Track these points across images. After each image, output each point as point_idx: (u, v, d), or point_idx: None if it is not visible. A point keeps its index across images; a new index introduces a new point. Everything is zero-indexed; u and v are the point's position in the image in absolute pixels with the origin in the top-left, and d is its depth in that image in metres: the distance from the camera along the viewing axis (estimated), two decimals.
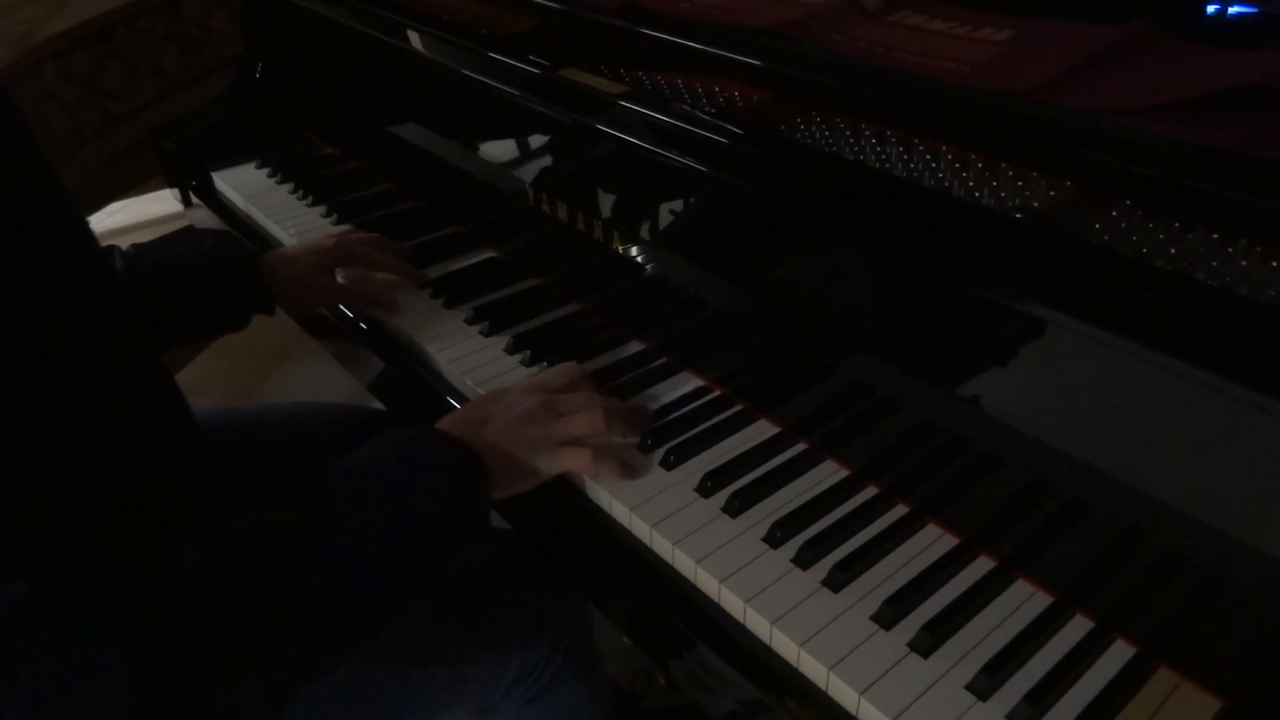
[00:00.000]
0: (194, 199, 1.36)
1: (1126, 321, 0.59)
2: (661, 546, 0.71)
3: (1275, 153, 0.55)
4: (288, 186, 1.27)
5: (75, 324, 0.56)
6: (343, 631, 0.58)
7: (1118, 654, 0.62)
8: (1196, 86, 0.60)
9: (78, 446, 0.53)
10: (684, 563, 0.70)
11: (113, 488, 0.57)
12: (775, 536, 0.70)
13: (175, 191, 1.40)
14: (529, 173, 1.00)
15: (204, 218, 1.35)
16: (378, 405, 1.10)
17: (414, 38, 1.11)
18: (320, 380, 2.02)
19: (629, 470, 0.75)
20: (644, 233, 0.89)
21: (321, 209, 1.20)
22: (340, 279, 1.02)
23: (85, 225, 0.60)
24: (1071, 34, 0.72)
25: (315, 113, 1.38)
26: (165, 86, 1.67)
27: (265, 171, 1.31)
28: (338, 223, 1.17)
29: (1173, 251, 0.61)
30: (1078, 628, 0.64)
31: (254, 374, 2.19)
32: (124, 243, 0.95)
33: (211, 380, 2.12)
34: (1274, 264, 0.58)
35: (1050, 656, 0.62)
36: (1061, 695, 0.59)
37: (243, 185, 1.29)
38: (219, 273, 0.92)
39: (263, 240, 1.20)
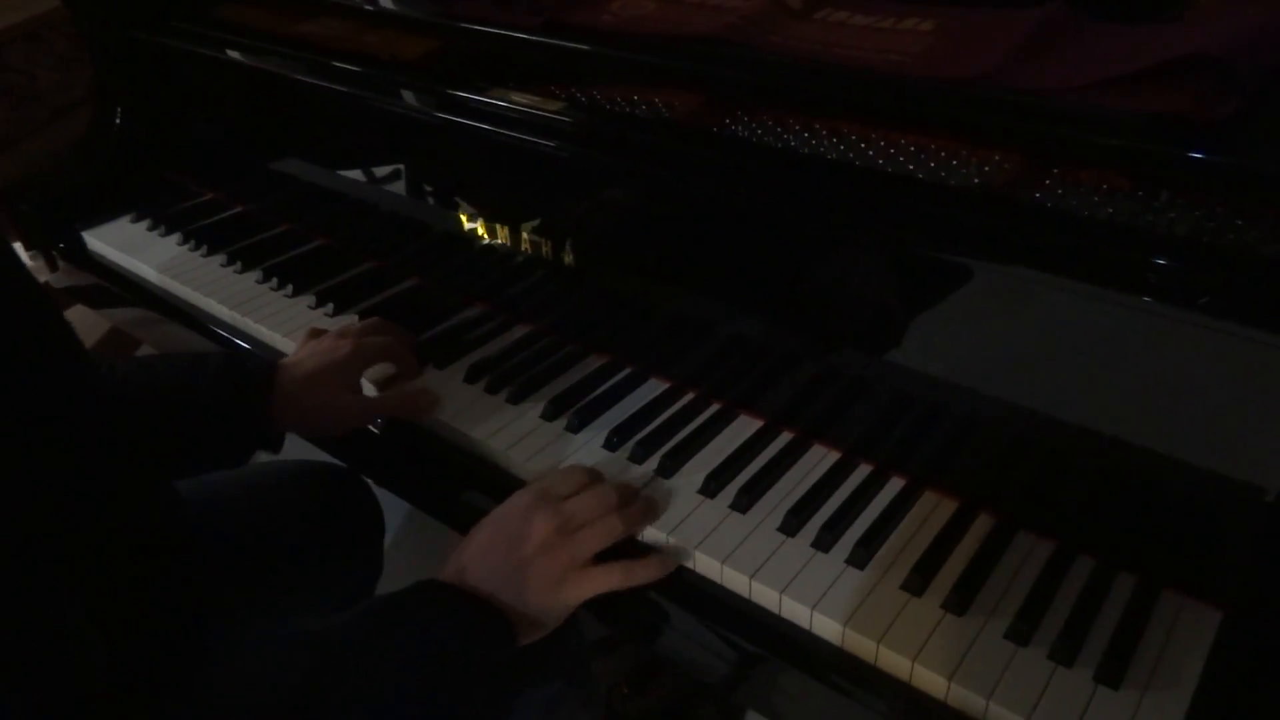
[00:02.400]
0: (60, 263, 1.26)
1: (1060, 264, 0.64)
2: (681, 556, 0.72)
3: (1215, 116, 0.61)
4: (174, 238, 1.19)
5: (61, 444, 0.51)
6: None
7: (1125, 585, 0.67)
8: (1132, 62, 0.65)
9: (71, 570, 0.49)
10: (709, 565, 0.71)
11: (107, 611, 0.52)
12: (791, 525, 0.72)
13: (35, 253, 1.28)
14: (447, 195, 0.98)
15: (66, 277, 1.25)
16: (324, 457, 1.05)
17: (295, 66, 1.06)
18: None
19: (667, 563, 0.70)
20: (586, 245, 0.88)
21: (220, 258, 1.13)
22: (367, 387, 0.90)
23: (71, 335, 0.55)
24: (993, 21, 0.77)
25: (190, 155, 1.30)
26: None
27: (144, 225, 1.22)
28: (241, 271, 1.11)
29: (1110, 211, 0.67)
30: (1083, 566, 0.69)
31: None
32: None
33: None
34: (1198, 213, 0.65)
35: (1068, 597, 0.66)
36: (1090, 628, 0.64)
37: (122, 242, 1.19)
38: (220, 408, 0.77)
39: (158, 299, 1.12)
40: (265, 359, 0.85)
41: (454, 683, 0.62)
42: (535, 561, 0.67)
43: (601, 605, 0.76)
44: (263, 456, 0.86)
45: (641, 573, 0.69)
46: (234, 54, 1.12)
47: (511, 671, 0.67)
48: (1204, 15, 0.71)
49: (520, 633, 0.67)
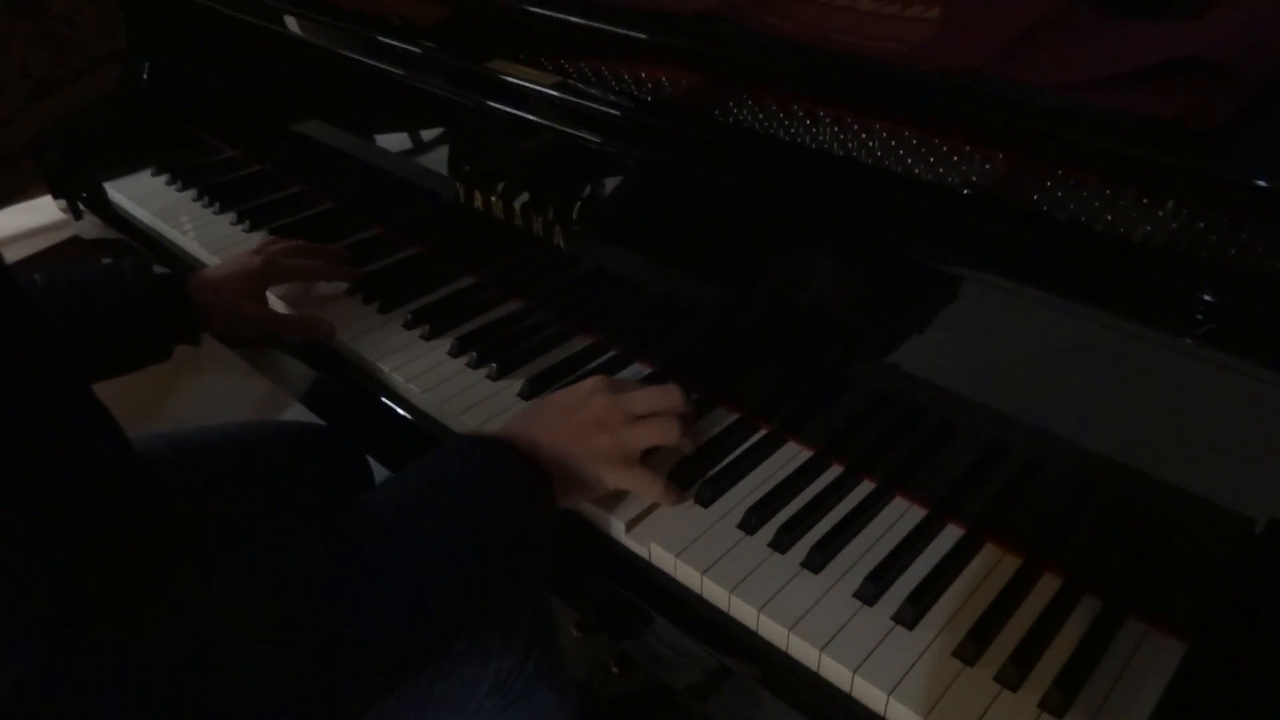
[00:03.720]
0: (84, 210, 1.28)
1: (1063, 283, 0.61)
2: (636, 543, 0.71)
3: (1212, 123, 0.58)
4: (190, 193, 1.20)
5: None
6: (399, 658, 0.54)
7: (1089, 609, 0.65)
8: (1134, 59, 0.62)
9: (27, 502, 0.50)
10: (663, 557, 0.70)
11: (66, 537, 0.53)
12: (750, 523, 0.71)
13: (62, 203, 1.31)
14: (455, 167, 0.98)
15: (95, 229, 1.28)
16: (312, 418, 1.06)
17: (318, 30, 1.07)
18: (228, 392, 1.93)
19: (685, 498, 0.72)
20: (579, 224, 0.87)
21: (230, 216, 1.15)
22: (275, 302, 0.96)
23: None
24: (999, 6, 0.74)
25: (212, 114, 1.31)
26: (36, 89, 1.56)
27: (164, 179, 1.24)
28: (250, 230, 1.12)
29: (1109, 218, 0.63)
30: (1048, 586, 0.66)
31: (153, 389, 2.08)
32: None
33: (105, 399, 2.01)
34: (1200, 225, 0.61)
35: (1026, 617, 0.64)
36: (1044, 651, 0.62)
37: (140, 195, 1.21)
38: (140, 301, 0.85)
39: (169, 254, 1.14)
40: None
41: (493, 529, 0.62)
42: (587, 433, 0.69)
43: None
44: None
45: (672, 497, 0.71)
46: (252, 17, 1.12)
47: (551, 540, 0.67)
48: (1214, 14, 0.67)
49: (559, 489, 0.67)
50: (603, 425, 0.69)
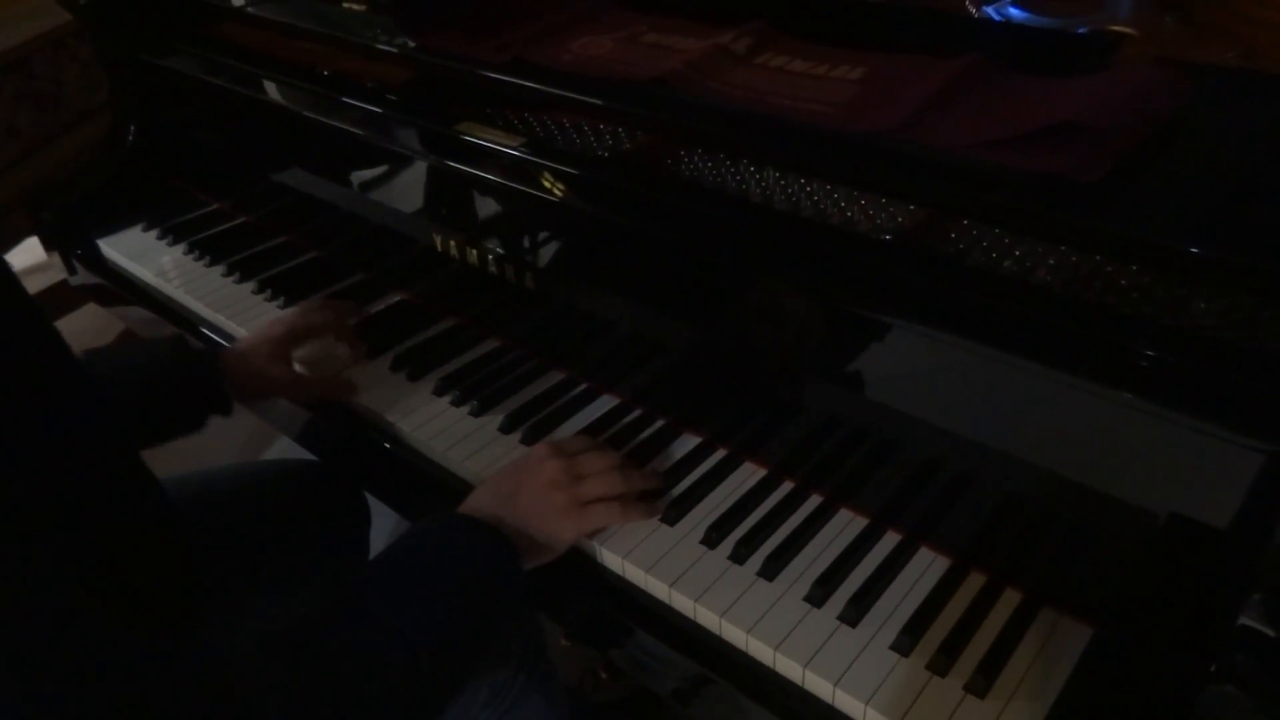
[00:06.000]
0: (79, 266, 1.35)
1: (972, 326, 0.69)
2: (611, 560, 0.79)
3: (1091, 178, 0.67)
4: (180, 248, 1.27)
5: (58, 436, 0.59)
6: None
7: (1009, 601, 0.73)
8: (1026, 121, 0.71)
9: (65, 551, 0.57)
10: (634, 572, 0.78)
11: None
12: (711, 538, 0.79)
13: (57, 256, 1.37)
14: (430, 218, 1.05)
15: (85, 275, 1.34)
16: (307, 455, 1.13)
17: (297, 96, 1.14)
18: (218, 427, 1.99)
19: (654, 509, 0.82)
20: (546, 269, 0.95)
21: (220, 268, 1.22)
22: (297, 366, 1.02)
23: (56, 335, 0.62)
24: (916, 70, 0.82)
25: (198, 169, 1.38)
26: (24, 146, 1.62)
27: (154, 234, 1.31)
28: (239, 281, 1.19)
29: (1017, 253, 0.72)
30: (974, 583, 0.75)
31: None
32: None
33: None
34: (1097, 258, 0.70)
35: (955, 612, 0.73)
36: (969, 641, 0.70)
37: (132, 250, 1.28)
38: (177, 380, 0.91)
39: (165, 307, 1.21)
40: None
41: (464, 597, 0.71)
42: (541, 494, 0.78)
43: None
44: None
45: (635, 513, 0.81)
46: (229, 81, 1.20)
47: (521, 600, 0.78)
48: (1099, 77, 0.76)
49: (524, 554, 0.76)
50: (555, 485, 0.78)
